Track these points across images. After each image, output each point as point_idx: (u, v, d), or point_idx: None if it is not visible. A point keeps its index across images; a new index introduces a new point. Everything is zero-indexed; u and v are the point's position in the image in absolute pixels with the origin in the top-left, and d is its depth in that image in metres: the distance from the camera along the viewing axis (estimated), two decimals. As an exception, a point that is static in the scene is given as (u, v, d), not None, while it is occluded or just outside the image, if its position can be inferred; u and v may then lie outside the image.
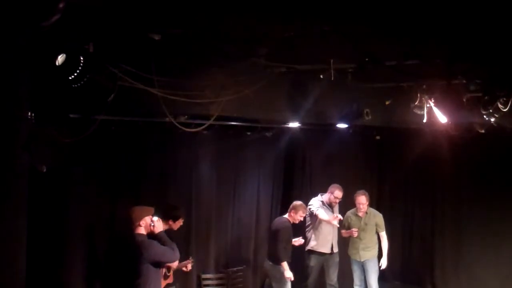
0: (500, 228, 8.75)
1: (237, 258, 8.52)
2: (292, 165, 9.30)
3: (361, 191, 8.24)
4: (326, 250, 8.19)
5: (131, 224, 5.53)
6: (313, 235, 8.18)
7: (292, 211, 7.66)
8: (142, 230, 5.54)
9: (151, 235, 5.60)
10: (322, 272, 8.39)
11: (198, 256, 7.73)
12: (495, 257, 8.79)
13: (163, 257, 5.53)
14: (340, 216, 8.09)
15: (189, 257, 7.05)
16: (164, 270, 6.63)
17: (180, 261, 6.88)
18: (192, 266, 7.00)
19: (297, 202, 7.76)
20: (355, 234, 8.13)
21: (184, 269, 6.98)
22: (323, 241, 8.15)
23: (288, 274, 7.47)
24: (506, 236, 8.70)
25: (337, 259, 8.33)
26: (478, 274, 8.93)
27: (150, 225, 5.58)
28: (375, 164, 10.07)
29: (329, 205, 8.26)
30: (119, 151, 7.09)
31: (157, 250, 5.46)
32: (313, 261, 8.27)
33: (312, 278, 8.34)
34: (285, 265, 7.47)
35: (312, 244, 8.19)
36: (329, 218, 7.93)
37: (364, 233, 8.18)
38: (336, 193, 8.21)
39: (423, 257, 9.71)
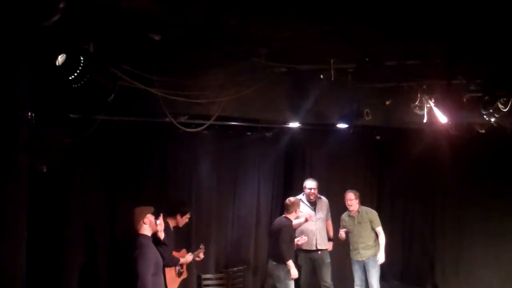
0: (500, 228, 8.75)
1: (237, 258, 8.51)
2: (292, 165, 9.29)
3: (350, 190, 8.28)
4: (310, 247, 8.22)
5: (135, 225, 5.46)
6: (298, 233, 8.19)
7: (296, 208, 7.69)
8: (147, 230, 5.44)
9: (156, 235, 5.54)
10: (315, 273, 8.39)
11: (198, 256, 7.73)
12: (495, 257, 8.79)
13: (140, 276, 5.17)
14: (310, 214, 8.10)
15: (199, 246, 7.20)
16: (177, 267, 6.67)
17: (192, 252, 7.09)
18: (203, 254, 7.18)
19: (293, 199, 7.79)
20: (343, 236, 8.16)
21: (197, 258, 7.15)
22: (306, 238, 8.14)
23: (294, 272, 7.52)
24: (506, 236, 8.70)
25: (327, 259, 8.32)
26: (478, 274, 8.93)
27: (156, 223, 5.48)
28: (375, 164, 10.07)
29: (309, 202, 8.29)
30: (119, 151, 7.08)
31: (143, 267, 5.20)
32: (300, 259, 8.32)
33: (303, 278, 8.36)
34: (290, 263, 7.50)
35: (297, 242, 8.19)
36: (299, 221, 7.99)
37: (361, 232, 8.19)
38: (304, 184, 8.31)
39: (423, 257, 9.71)
